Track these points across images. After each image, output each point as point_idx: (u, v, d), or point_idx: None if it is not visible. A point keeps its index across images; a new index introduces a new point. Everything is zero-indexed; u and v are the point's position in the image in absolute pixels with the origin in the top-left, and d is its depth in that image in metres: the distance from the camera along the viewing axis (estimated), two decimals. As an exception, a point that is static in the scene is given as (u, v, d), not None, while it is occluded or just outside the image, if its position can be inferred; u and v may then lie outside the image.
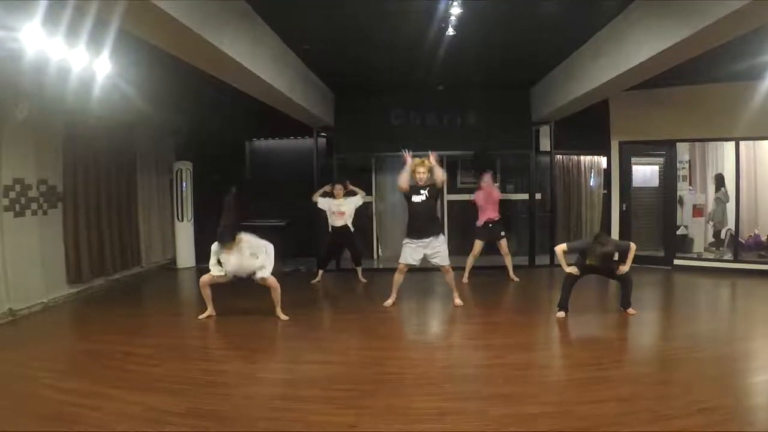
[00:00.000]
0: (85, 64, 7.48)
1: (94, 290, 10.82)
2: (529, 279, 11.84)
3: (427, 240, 9.02)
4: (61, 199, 9.98)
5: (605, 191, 13.95)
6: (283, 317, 8.50)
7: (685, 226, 13.22)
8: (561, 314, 8.34)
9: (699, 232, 13.23)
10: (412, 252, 9.07)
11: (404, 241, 9.20)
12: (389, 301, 9.31)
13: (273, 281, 8.55)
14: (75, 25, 6.41)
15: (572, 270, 8.42)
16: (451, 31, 7.92)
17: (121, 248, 11.85)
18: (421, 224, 9.06)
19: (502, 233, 11.58)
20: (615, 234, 13.20)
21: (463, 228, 13.68)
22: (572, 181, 15.04)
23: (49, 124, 9.60)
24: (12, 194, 8.78)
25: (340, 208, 11.37)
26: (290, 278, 11.72)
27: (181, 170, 14.09)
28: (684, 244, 13.15)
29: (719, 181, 12.90)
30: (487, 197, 11.56)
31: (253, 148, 15.80)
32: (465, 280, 11.44)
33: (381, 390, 5.64)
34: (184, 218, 14.09)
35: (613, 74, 8.31)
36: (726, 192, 12.74)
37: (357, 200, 11.56)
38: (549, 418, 4.82)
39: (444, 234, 9.52)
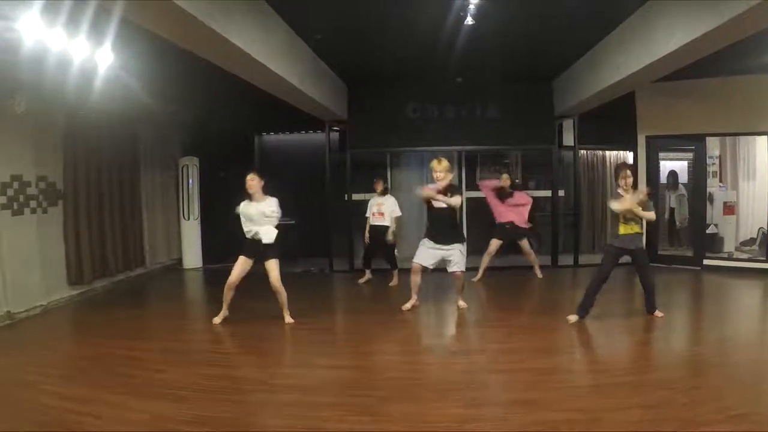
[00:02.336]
0: (86, 56, 7.48)
1: (96, 292, 10.86)
2: (552, 280, 11.81)
3: (446, 247, 8.90)
4: (61, 196, 9.99)
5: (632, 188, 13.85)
6: (289, 320, 8.53)
7: (715, 225, 13.17)
8: (573, 318, 8.25)
9: (730, 231, 13.18)
10: (427, 253, 8.97)
11: (422, 241, 9.11)
12: (409, 305, 9.22)
13: (278, 284, 8.51)
14: (75, 15, 6.44)
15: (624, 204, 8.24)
16: (470, 21, 7.92)
17: (124, 248, 11.86)
18: (440, 231, 8.95)
19: (524, 237, 11.63)
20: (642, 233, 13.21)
21: (481, 226, 13.69)
22: (597, 178, 15.04)
23: (49, 119, 9.61)
24: (10, 192, 8.79)
25: (380, 208, 11.37)
26: (301, 280, 11.75)
27: (187, 166, 14.18)
28: (714, 243, 13.09)
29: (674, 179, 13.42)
30: (509, 201, 11.51)
31: (263, 142, 15.85)
32: (476, 278, 11.48)
33: (397, 396, 5.64)
34: (191, 216, 14.16)
35: (640, 65, 8.31)
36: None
37: (395, 206, 11.45)
38: (573, 426, 4.81)
39: (464, 242, 9.22)
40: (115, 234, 11.51)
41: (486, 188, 11.76)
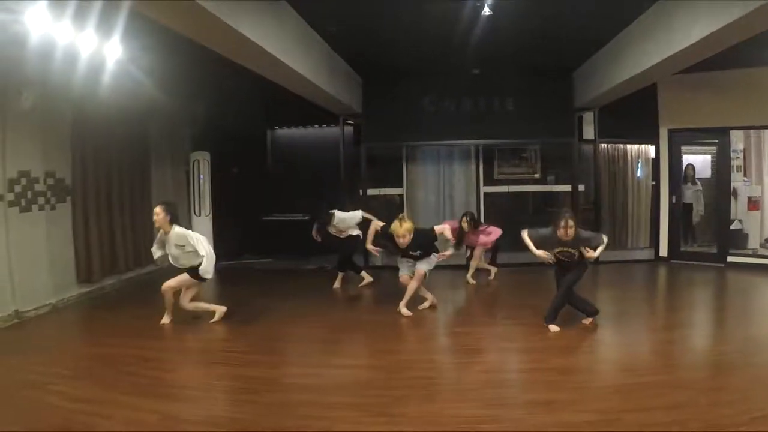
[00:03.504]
0: (94, 49, 7.51)
1: (105, 290, 10.90)
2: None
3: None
4: (69, 192, 10.01)
5: (653, 183, 13.88)
6: (165, 321, 8.54)
7: (740, 220, 13.11)
8: (554, 328, 7.92)
9: (754, 227, 13.12)
10: (405, 265, 9.05)
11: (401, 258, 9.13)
12: (426, 304, 9.23)
13: (168, 290, 8.52)
14: (83, 7, 6.46)
15: (542, 254, 8.03)
16: (487, 11, 7.93)
17: (134, 245, 11.86)
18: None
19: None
20: (664, 228, 13.17)
21: (498, 222, 13.71)
22: (618, 172, 14.95)
23: (57, 114, 9.63)
24: (17, 188, 8.80)
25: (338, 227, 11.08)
26: (315, 277, 11.76)
27: (198, 161, 14.16)
28: (738, 239, 13.03)
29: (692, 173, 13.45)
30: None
31: (275, 137, 15.91)
32: (472, 280, 11.38)
33: (413, 396, 5.65)
34: (202, 213, 14.15)
35: (662, 57, 8.27)
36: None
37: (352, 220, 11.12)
38: (593, 427, 4.81)
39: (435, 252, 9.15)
40: (124, 231, 11.51)
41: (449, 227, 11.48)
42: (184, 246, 8.19)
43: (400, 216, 8.84)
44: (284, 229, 14.58)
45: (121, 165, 11.41)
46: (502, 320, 8.70)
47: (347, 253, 11.16)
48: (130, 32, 7.46)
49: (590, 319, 8.08)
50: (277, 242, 14.67)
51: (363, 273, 11.37)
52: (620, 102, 11.89)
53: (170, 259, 8.38)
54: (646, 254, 13.92)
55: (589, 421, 4.93)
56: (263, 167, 15.68)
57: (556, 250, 7.85)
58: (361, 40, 10.30)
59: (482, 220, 13.45)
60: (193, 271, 8.17)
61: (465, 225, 10.89)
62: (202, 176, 14.13)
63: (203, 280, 8.31)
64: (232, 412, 5.36)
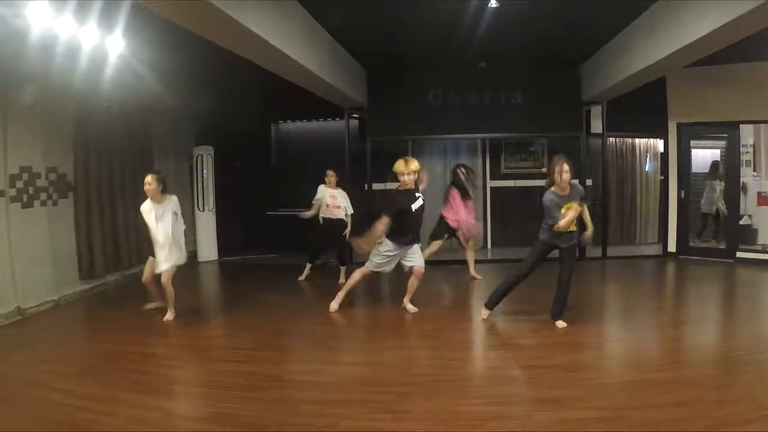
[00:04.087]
0: (96, 43, 7.52)
1: (108, 286, 10.95)
2: (579, 272, 11.71)
3: (408, 247, 8.69)
4: (72, 188, 10.03)
5: (662, 177, 13.88)
6: (169, 317, 8.53)
7: (749, 216, 13.09)
8: (485, 313, 8.33)
9: (765, 223, 13.08)
10: (388, 262, 8.68)
11: (389, 247, 8.56)
12: (410, 308, 8.91)
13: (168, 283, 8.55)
14: (85, 1, 6.48)
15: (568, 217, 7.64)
16: (494, 3, 7.92)
17: (136, 241, 11.77)
18: (413, 233, 8.67)
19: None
20: (673, 224, 13.18)
21: (505, 217, 13.71)
22: (626, 166, 14.96)
23: (58, 108, 9.65)
24: (19, 184, 8.82)
25: (334, 201, 11.02)
26: (319, 272, 11.78)
27: (202, 156, 14.22)
28: (748, 235, 13.00)
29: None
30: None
31: (279, 131, 15.92)
32: (477, 275, 11.23)
33: (418, 393, 5.67)
34: (206, 208, 14.22)
35: (671, 50, 8.24)
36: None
37: (347, 201, 11.19)
38: (600, 424, 4.81)
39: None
40: (127, 226, 11.45)
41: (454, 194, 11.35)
42: (176, 213, 8.44)
43: (405, 156, 8.71)
44: (288, 224, 14.59)
45: (123, 160, 11.41)
46: (506, 316, 8.68)
47: (346, 245, 11.06)
48: (133, 26, 7.47)
49: (488, 313, 8.31)
50: (282, 238, 14.68)
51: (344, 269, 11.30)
52: (628, 96, 11.85)
53: (161, 237, 8.42)
54: (655, 249, 13.92)
55: (596, 418, 4.93)
56: (267, 162, 15.71)
57: (563, 209, 7.58)
58: (366, 32, 10.28)
59: (489, 214, 13.46)
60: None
61: (462, 176, 10.86)
62: (205, 171, 14.15)
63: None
64: (235, 409, 5.35)
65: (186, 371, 6.54)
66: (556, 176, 7.52)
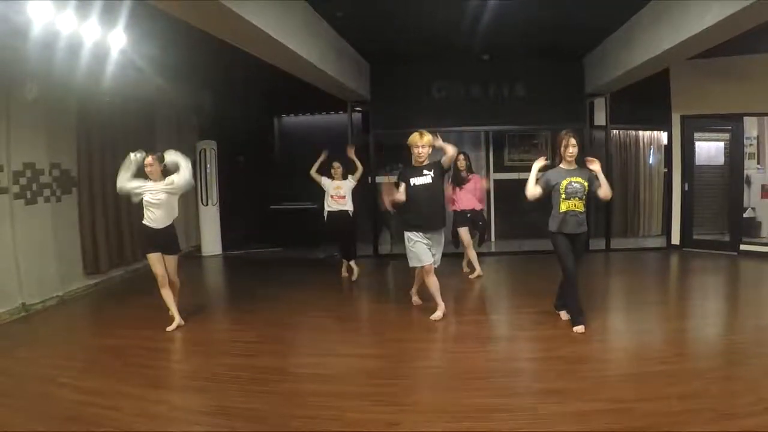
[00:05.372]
0: (98, 38, 7.53)
1: (113, 281, 10.97)
2: (584, 264, 11.75)
3: (431, 234, 8.09)
4: (75, 184, 10.07)
5: (666, 170, 13.87)
6: (176, 324, 7.93)
7: (753, 208, 13.06)
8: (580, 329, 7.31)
9: (768, 215, 13.10)
10: (417, 252, 8.04)
11: (410, 236, 8.09)
12: (438, 313, 8.12)
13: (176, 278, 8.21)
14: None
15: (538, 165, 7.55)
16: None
17: (141, 236, 11.78)
18: (427, 213, 8.02)
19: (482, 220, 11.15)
20: (676, 216, 13.18)
21: (510, 210, 13.73)
22: (630, 159, 14.98)
23: (61, 104, 9.66)
24: (22, 180, 8.83)
25: (339, 191, 10.91)
26: (323, 265, 11.80)
27: (205, 150, 14.25)
28: (751, 227, 13.01)
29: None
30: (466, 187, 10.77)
31: (282, 124, 15.97)
32: (475, 275, 10.80)
33: (423, 385, 5.73)
34: (209, 202, 14.25)
35: (675, 42, 8.25)
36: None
37: (352, 182, 11.04)
38: (605, 416, 4.83)
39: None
40: (132, 221, 11.34)
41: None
42: (171, 185, 7.84)
43: (420, 130, 8.15)
44: (293, 217, 14.62)
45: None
46: (511, 308, 8.72)
47: (350, 238, 11.08)
48: (134, 21, 7.48)
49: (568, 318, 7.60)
50: (286, 231, 14.73)
51: (353, 263, 11.14)
52: (632, 87, 11.86)
53: (152, 213, 7.90)
54: (658, 242, 13.92)
55: (601, 410, 4.96)
56: (271, 155, 15.73)
57: (565, 182, 7.27)
58: (368, 25, 10.27)
59: (492, 206, 13.49)
60: (170, 238, 8.06)
61: (461, 164, 10.54)
62: (209, 165, 14.17)
63: (176, 250, 8.19)
64: (242, 402, 5.38)
65: (191, 365, 6.56)
66: (562, 149, 7.32)
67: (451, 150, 7.96)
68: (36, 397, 5.61)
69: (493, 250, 13.49)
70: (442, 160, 8.07)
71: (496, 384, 5.74)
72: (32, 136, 9.04)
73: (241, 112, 14.35)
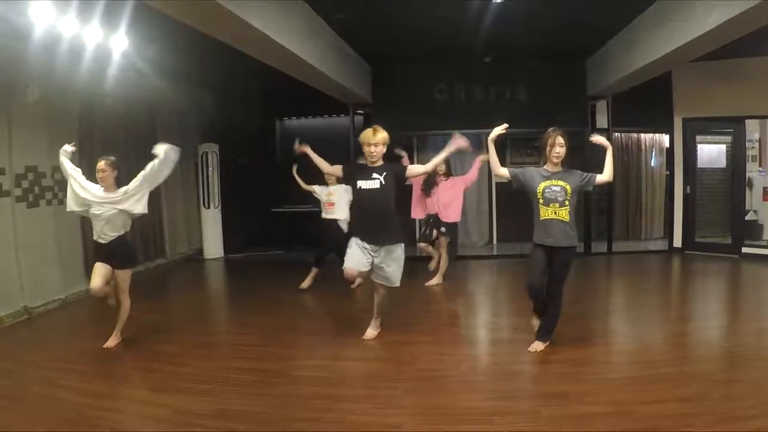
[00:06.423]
0: (99, 41, 7.57)
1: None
2: (584, 268, 11.77)
3: (378, 248, 7.05)
4: (77, 186, 10.01)
5: (667, 172, 13.89)
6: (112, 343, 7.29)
7: (755, 211, 13.06)
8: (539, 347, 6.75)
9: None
10: (359, 253, 7.03)
11: (352, 239, 7.19)
12: (371, 332, 7.57)
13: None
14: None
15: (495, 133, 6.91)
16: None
17: (143, 239, 11.91)
18: (371, 223, 7.09)
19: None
20: (678, 219, 13.19)
21: (511, 212, 13.73)
22: (631, 162, 14.99)
23: (63, 107, 9.63)
24: (24, 183, 8.82)
25: (330, 198, 10.25)
26: (324, 269, 11.81)
27: (207, 153, 14.21)
28: (753, 230, 13.02)
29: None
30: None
31: (284, 127, 16.00)
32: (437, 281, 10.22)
33: (425, 388, 5.71)
34: (211, 205, 14.23)
35: (677, 44, 8.27)
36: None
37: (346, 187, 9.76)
38: (607, 419, 4.83)
39: (402, 245, 7.26)
40: (133, 224, 11.34)
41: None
42: (121, 197, 7.21)
43: (374, 126, 7.34)
44: (294, 220, 14.64)
45: (128, 158, 11.30)
46: (512, 311, 8.71)
47: (333, 247, 10.04)
48: (136, 24, 7.51)
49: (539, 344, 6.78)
50: (287, 234, 14.75)
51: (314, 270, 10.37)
52: (634, 90, 11.89)
53: (100, 226, 7.19)
54: (660, 245, 13.93)
55: (603, 413, 4.96)
56: (272, 158, 15.76)
57: (543, 185, 6.64)
58: (369, 27, 10.31)
59: (494, 209, 13.49)
60: (122, 249, 7.38)
61: (440, 168, 9.70)
62: (210, 168, 14.17)
63: (133, 262, 7.72)
64: (244, 405, 5.39)
65: (194, 368, 6.53)
66: (547, 149, 6.72)
67: (429, 168, 7.63)
68: (38, 400, 5.61)
69: (494, 252, 13.50)
70: (407, 172, 7.45)
71: (497, 387, 5.76)
72: (34, 138, 9.01)
73: (242, 114, 14.38)
